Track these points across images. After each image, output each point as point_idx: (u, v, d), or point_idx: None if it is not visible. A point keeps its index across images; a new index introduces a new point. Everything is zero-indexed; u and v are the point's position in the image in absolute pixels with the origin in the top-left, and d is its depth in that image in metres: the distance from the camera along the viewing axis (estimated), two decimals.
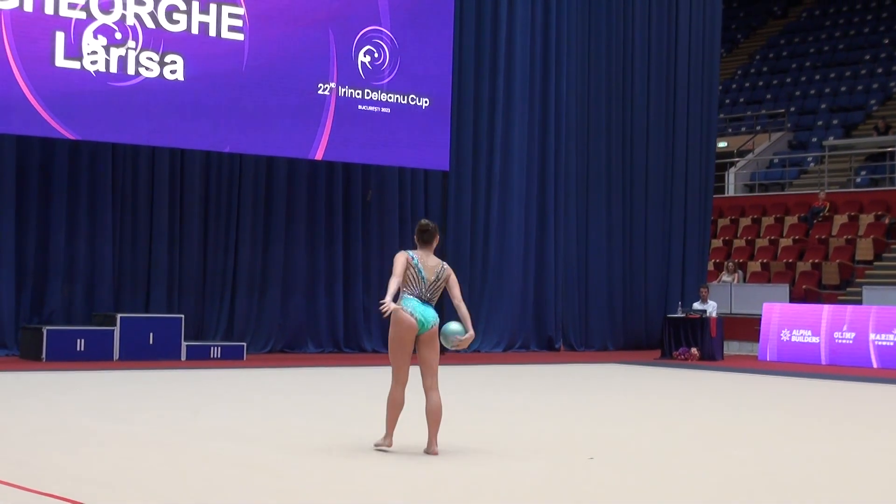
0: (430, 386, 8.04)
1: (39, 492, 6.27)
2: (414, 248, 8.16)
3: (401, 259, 8.02)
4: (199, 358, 16.55)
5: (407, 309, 7.97)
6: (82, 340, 15.95)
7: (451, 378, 14.99)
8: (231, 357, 16.86)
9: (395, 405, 8.07)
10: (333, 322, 18.89)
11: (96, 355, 15.89)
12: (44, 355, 15.60)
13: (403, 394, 8.10)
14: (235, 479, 7.00)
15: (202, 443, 8.38)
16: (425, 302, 8.03)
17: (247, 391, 12.80)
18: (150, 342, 16.37)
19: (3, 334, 16.47)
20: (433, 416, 8.01)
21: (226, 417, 10.05)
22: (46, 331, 15.76)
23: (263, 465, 7.44)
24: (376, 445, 8.12)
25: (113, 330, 16.19)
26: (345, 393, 12.61)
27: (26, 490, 6.32)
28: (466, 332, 8.11)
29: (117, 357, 16.11)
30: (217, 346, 17.00)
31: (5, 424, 9.17)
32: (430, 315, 8.02)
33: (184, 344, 16.64)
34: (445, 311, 9.01)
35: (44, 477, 6.76)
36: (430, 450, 8.00)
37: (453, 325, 8.18)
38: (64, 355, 15.61)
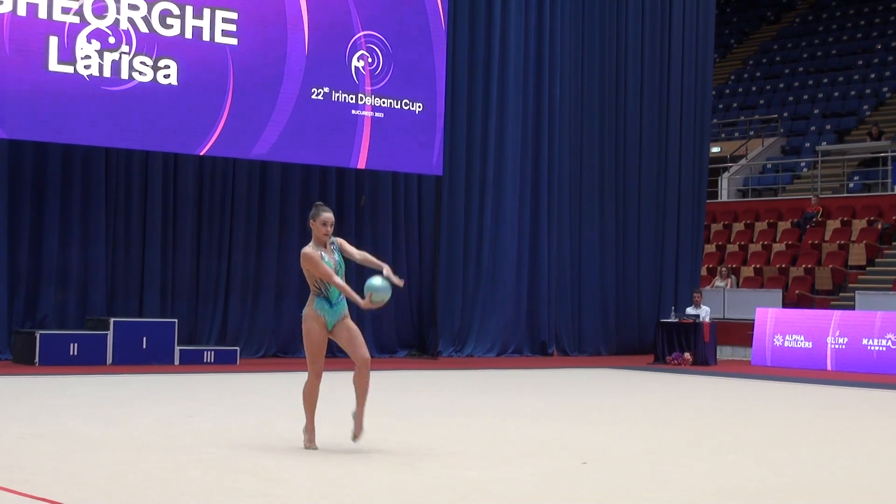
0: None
1: (32, 496, 6.26)
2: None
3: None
4: (192, 362, 16.54)
5: None
6: (75, 345, 15.94)
7: (443, 382, 15.01)
8: (224, 361, 16.85)
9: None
10: None
11: (89, 360, 15.88)
12: (37, 360, 15.58)
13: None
14: (228, 483, 7.00)
15: (195, 447, 8.37)
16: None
17: (240, 395, 12.80)
18: (144, 346, 16.37)
19: None
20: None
21: (219, 422, 10.04)
22: (39, 335, 15.75)
23: (256, 470, 7.44)
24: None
25: (106, 334, 16.19)
26: (337, 397, 12.61)
27: (19, 494, 6.32)
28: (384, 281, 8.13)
29: (110, 361, 16.10)
30: (210, 350, 16.99)
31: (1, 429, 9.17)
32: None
33: (177, 348, 16.64)
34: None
35: (37, 481, 6.76)
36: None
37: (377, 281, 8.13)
38: (57, 360, 15.60)
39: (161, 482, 6.94)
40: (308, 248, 8.17)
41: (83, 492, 6.54)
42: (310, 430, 8.32)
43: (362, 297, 8.17)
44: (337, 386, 10.98)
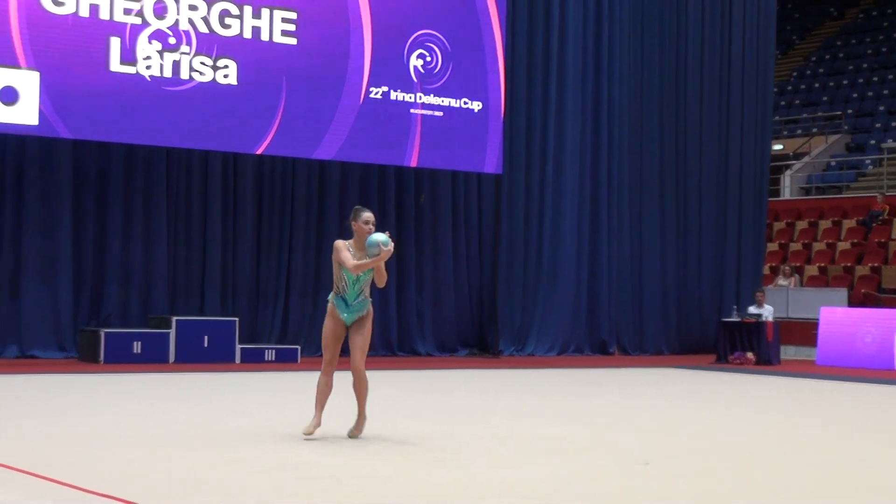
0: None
1: (91, 491, 6.31)
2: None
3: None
4: (253, 361, 16.63)
5: None
6: (139, 343, 16.09)
7: (503, 381, 14.95)
8: (285, 360, 16.93)
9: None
10: (387, 325, 18.88)
11: (152, 358, 16.02)
12: (101, 358, 15.75)
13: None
14: (270, 480, 7.01)
15: (241, 443, 8.40)
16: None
17: (300, 394, 12.83)
18: (205, 345, 16.47)
19: (61, 337, 16.66)
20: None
21: (277, 421, 10.07)
22: (104, 333, 15.91)
23: (297, 466, 7.44)
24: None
25: (168, 333, 16.32)
26: (393, 396, 12.61)
27: (78, 489, 6.37)
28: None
29: (173, 360, 16.22)
30: (271, 349, 17.07)
31: (63, 425, 9.25)
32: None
33: (238, 347, 16.73)
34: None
35: (96, 478, 6.80)
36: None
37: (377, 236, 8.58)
38: (121, 358, 15.76)
39: (218, 482, 6.96)
40: (339, 241, 8.80)
41: (142, 490, 6.58)
42: (315, 418, 8.68)
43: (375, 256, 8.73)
44: (399, 383, 10.96)
